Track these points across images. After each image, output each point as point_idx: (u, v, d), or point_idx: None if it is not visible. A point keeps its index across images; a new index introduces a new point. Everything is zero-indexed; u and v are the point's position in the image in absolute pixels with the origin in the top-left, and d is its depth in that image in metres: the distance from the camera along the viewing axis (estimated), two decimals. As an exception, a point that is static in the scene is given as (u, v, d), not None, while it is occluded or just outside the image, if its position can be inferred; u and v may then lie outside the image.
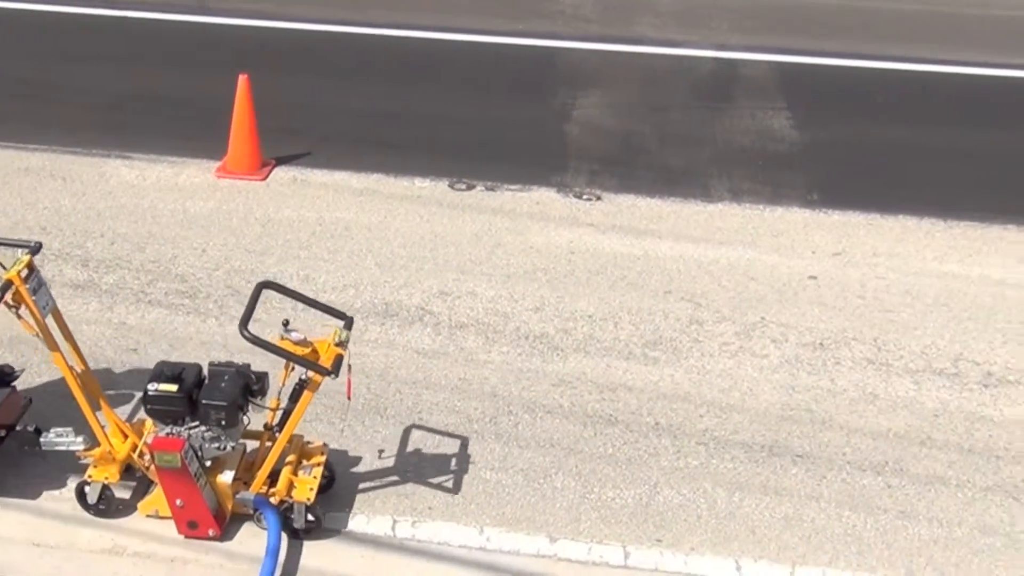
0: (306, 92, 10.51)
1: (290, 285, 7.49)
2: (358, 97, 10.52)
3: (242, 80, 8.90)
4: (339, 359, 5.31)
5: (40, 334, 5.38)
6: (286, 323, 5.42)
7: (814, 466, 6.15)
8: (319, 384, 5.34)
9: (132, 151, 9.32)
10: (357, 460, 6.08)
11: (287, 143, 9.36)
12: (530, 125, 10.11)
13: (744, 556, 5.55)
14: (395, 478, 5.96)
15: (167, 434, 5.44)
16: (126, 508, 5.71)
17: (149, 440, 5.52)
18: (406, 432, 6.27)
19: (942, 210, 8.76)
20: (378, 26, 12.08)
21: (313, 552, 5.53)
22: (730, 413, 6.53)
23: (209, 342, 6.97)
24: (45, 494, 5.82)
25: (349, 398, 5.65)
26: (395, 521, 5.67)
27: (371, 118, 10.08)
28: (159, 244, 8.03)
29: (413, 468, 6.03)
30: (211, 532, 5.53)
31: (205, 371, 5.56)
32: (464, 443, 6.21)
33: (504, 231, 8.34)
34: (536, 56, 11.63)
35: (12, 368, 6.18)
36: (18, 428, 5.89)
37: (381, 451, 6.13)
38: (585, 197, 8.88)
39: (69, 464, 5.82)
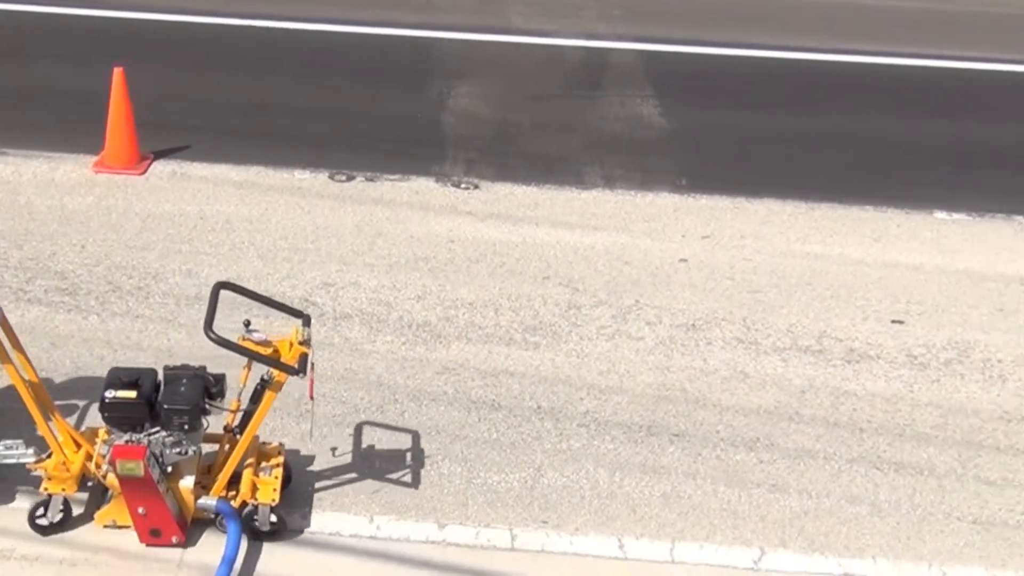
0: (183, 85, 10.33)
1: (173, 280, 7.44)
2: (234, 89, 10.39)
3: (117, 73, 8.72)
4: (304, 357, 5.24)
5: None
6: (247, 323, 5.32)
7: (690, 444, 6.28)
8: (283, 384, 5.27)
9: (6, 147, 9.07)
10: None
11: (165, 137, 9.19)
12: (407, 115, 10.09)
13: (626, 534, 5.65)
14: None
15: (126, 441, 5.28)
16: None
17: (103, 449, 5.38)
18: (294, 424, 6.24)
19: (804, 193, 8.97)
20: (251, 17, 11.91)
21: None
22: (609, 395, 6.62)
23: (91, 339, 6.84)
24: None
25: (311, 398, 5.50)
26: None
27: (248, 110, 9.97)
28: (37, 241, 7.85)
29: (304, 460, 6.01)
30: (175, 539, 5.40)
31: (160, 375, 5.41)
32: (356, 432, 6.21)
33: (385, 221, 8.33)
34: (409, 46, 11.58)
35: None
36: None
37: (334, 449, 6.02)
38: (463, 186, 8.91)
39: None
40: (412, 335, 7.06)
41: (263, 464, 5.61)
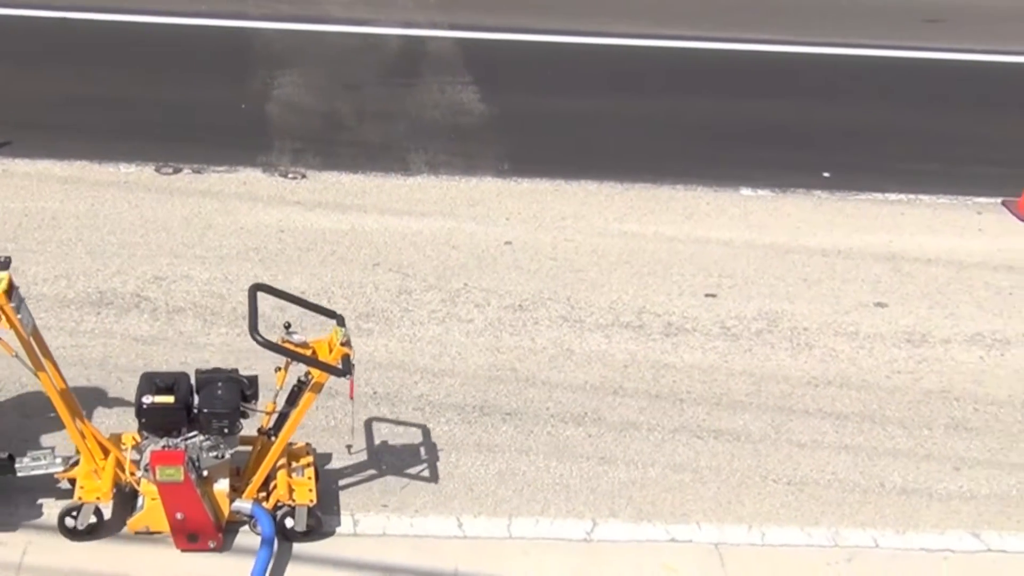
0: (-1, 79, 9.94)
1: None
2: (53, 83, 10.00)
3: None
4: (346, 358, 5.11)
5: (20, 354, 5.01)
6: (287, 325, 5.18)
7: (521, 422, 6.32)
8: (323, 385, 5.14)
9: None
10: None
11: (-17, 133, 8.84)
12: (230, 106, 9.88)
13: (464, 513, 5.66)
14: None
15: (163, 446, 5.10)
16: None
17: (133, 455, 5.21)
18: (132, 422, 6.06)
19: (619, 174, 9.10)
20: (63, 9, 11.46)
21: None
22: (442, 378, 6.62)
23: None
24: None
25: (352, 398, 5.35)
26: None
27: (69, 104, 9.61)
28: None
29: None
30: (212, 544, 5.23)
31: (192, 379, 5.25)
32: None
33: (214, 213, 8.14)
34: (228, 37, 11.33)
35: None
36: None
37: (349, 446, 5.84)
38: (291, 176, 8.78)
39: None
40: (246, 326, 6.90)
41: (293, 465, 5.49)
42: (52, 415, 5.43)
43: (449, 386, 6.57)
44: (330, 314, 5.47)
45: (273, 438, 5.35)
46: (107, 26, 11.29)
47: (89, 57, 10.59)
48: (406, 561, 5.36)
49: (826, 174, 9.43)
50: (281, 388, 5.34)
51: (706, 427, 6.41)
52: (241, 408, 5.21)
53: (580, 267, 7.86)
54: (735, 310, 7.51)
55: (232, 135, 9.37)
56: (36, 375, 5.13)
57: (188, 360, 6.55)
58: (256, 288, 5.37)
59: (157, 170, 8.67)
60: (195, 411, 5.18)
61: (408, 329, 7.04)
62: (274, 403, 5.39)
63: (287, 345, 5.15)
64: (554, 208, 8.59)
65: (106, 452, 5.34)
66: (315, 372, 5.17)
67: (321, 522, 5.42)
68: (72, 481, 5.37)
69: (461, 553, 5.44)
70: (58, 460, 5.37)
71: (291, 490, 5.39)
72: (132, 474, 5.27)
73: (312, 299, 7.12)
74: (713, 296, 7.65)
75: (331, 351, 5.20)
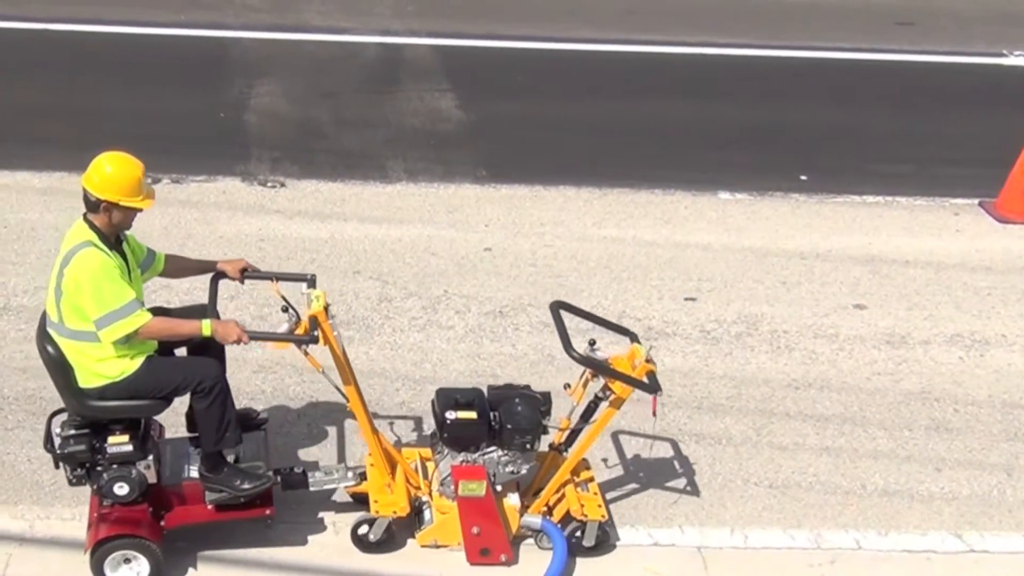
0: (-22, 92, 9.84)
1: (-21, 292, 7.06)
2: (31, 94, 9.93)
3: None
4: (652, 375, 5.10)
5: (327, 371, 5.18)
6: (592, 343, 5.18)
7: (504, 428, 6.27)
8: (623, 401, 5.16)
9: None
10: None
11: (-38, 146, 8.74)
12: (208, 116, 9.81)
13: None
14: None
15: (462, 461, 5.16)
16: None
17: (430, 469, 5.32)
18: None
19: (597, 179, 9.07)
20: (39, 20, 11.37)
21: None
22: (423, 385, 6.54)
23: None
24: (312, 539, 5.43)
25: (655, 414, 5.31)
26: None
27: (46, 116, 9.52)
28: None
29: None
30: (503, 558, 5.26)
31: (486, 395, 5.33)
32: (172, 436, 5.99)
33: (193, 222, 8.07)
34: (206, 47, 11.25)
35: (256, 412, 5.78)
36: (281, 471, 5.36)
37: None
38: (270, 184, 8.71)
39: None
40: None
41: (575, 479, 5.46)
42: (328, 427, 5.87)
43: (430, 393, 6.42)
44: (625, 332, 5.49)
45: (564, 454, 5.37)
46: (86, 37, 11.20)
47: (68, 68, 10.49)
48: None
49: (803, 177, 9.41)
50: (577, 404, 5.35)
51: (687, 431, 6.38)
52: (544, 424, 5.26)
53: (560, 272, 7.81)
54: (715, 314, 7.48)
55: (211, 145, 9.30)
56: (344, 390, 5.22)
57: (168, 370, 6.47)
58: (558, 305, 5.43)
59: (136, 180, 8.57)
60: (496, 427, 5.20)
61: (389, 336, 6.99)
62: (568, 419, 5.38)
63: (594, 359, 5.17)
64: (533, 214, 8.55)
65: (393, 466, 5.37)
66: (618, 388, 5.17)
67: (609, 536, 5.44)
68: (355, 496, 5.47)
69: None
70: (350, 475, 5.43)
71: (582, 505, 5.37)
72: (417, 488, 5.35)
73: (293, 307, 7.12)
74: (692, 300, 7.61)
75: (633, 367, 5.20)
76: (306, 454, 5.93)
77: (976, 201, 9.12)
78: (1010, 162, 8.99)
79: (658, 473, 6.04)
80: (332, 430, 6.13)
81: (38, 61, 10.63)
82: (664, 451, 6.20)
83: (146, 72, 10.54)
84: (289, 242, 7.90)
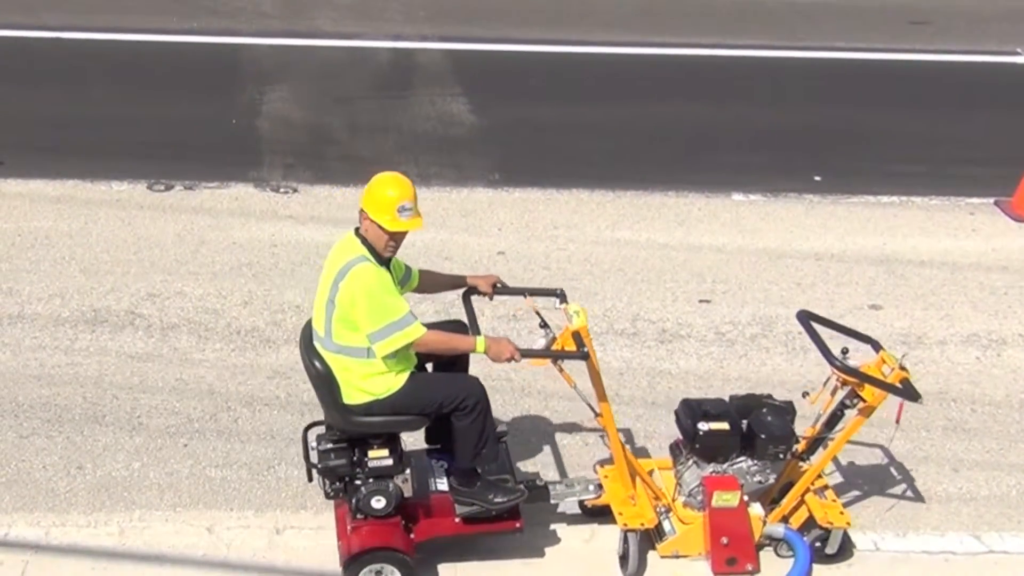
0: (-10, 101, 9.87)
1: (-7, 300, 7.08)
2: (45, 103, 9.96)
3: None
4: (907, 382, 5.10)
5: (580, 387, 5.21)
6: (845, 351, 5.16)
7: (518, 431, 6.23)
8: (874, 409, 5.15)
9: None
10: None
11: (-26, 155, 8.76)
12: (221, 122, 9.82)
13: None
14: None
15: (711, 472, 5.16)
16: None
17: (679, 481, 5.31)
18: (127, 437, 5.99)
19: (610, 182, 9.06)
20: (53, 29, 11.43)
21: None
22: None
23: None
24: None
25: (898, 421, 5.34)
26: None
27: (61, 125, 9.55)
28: None
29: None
30: (749, 567, 5.24)
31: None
32: (188, 443, 6.00)
33: (207, 229, 8.08)
34: (218, 54, 11.29)
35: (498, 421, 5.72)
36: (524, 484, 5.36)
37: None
38: (282, 190, 8.72)
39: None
40: (241, 341, 6.86)
41: (812, 487, 5.44)
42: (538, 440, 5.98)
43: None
44: (865, 339, 5.47)
45: (805, 463, 5.35)
46: (99, 45, 11.23)
47: (81, 76, 10.53)
48: None
49: (817, 177, 9.38)
50: (825, 412, 5.33)
51: (704, 433, 6.34)
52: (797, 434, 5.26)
53: (573, 276, 7.79)
54: (729, 315, 7.45)
55: (223, 151, 9.30)
56: (599, 405, 5.22)
57: (183, 376, 6.48)
58: (807, 316, 5.41)
59: (149, 187, 8.61)
60: (749, 437, 5.19)
61: (403, 341, 6.96)
62: (814, 428, 5.36)
63: (857, 369, 5.13)
64: (546, 217, 8.53)
65: (633, 478, 5.34)
66: (869, 395, 5.13)
67: (852, 542, 5.44)
68: (595, 508, 5.45)
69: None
70: (591, 488, 5.43)
71: (826, 512, 5.36)
72: (656, 498, 5.33)
73: (306, 313, 7.08)
74: (707, 302, 7.59)
75: (883, 375, 5.18)
76: (524, 466, 5.95)
77: (992, 200, 9.08)
78: (1025, 161, 8.97)
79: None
80: (544, 445, 6.18)
81: (51, 69, 10.67)
82: (680, 454, 6.16)
83: (159, 79, 10.57)
84: (302, 247, 7.90)
